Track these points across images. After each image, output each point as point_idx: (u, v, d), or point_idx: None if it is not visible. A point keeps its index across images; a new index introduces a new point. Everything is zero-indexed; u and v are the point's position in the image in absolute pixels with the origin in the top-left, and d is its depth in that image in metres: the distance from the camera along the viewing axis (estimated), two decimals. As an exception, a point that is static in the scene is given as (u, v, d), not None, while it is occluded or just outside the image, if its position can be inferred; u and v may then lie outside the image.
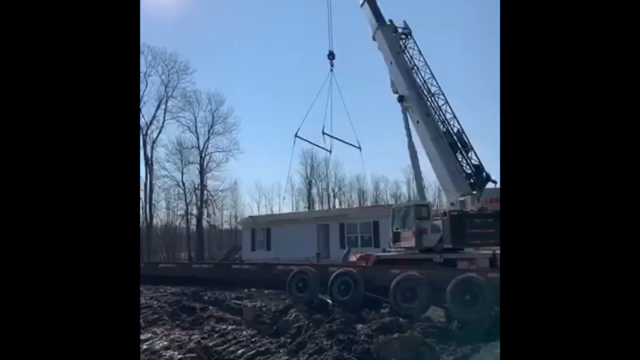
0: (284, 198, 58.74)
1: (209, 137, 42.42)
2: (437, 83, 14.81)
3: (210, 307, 10.97)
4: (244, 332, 8.54)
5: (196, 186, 42.57)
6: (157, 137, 40.65)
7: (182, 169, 42.34)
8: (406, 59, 15.31)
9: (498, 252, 10.96)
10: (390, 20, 15.94)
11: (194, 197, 43.05)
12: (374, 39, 16.11)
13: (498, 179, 13.52)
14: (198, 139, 42.29)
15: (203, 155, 42.24)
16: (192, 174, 42.76)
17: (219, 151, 42.68)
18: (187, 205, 43.34)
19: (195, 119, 42.08)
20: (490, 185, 13.41)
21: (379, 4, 16.11)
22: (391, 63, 15.23)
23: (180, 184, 42.37)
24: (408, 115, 14.91)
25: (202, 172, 42.13)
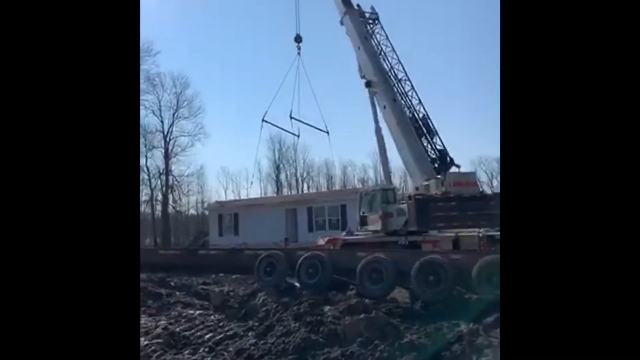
0: (252, 183, 58.48)
1: (173, 121, 41.58)
2: (404, 69, 15.00)
3: (177, 292, 10.88)
4: (212, 317, 8.54)
5: (161, 171, 41.78)
6: (119, 120, 39.40)
7: (147, 154, 41.28)
8: (374, 44, 15.37)
9: (461, 234, 11.32)
10: (358, 5, 15.93)
11: (158, 182, 42.28)
12: (341, 23, 16.07)
13: (461, 164, 13.95)
14: (162, 122, 41.39)
15: (168, 139, 41.43)
16: (156, 159, 41.87)
17: (184, 135, 41.90)
18: (151, 190, 42.50)
19: (160, 102, 41.12)
20: (453, 169, 13.78)
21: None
22: (359, 48, 15.26)
23: (145, 168, 41.40)
24: (375, 100, 15.03)
25: (166, 157, 41.32)
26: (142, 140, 40.96)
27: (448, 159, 13.90)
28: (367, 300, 8.27)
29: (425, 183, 13.10)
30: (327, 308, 7.99)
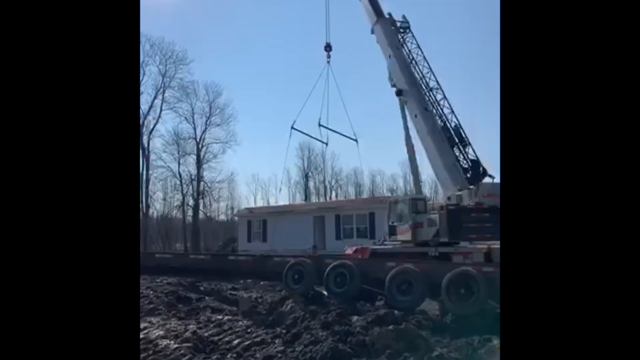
0: (281, 190, 58.82)
1: (206, 128, 42.42)
2: (435, 78, 14.80)
3: (206, 297, 11.02)
4: (240, 323, 8.59)
5: (193, 177, 42.58)
6: (154, 127, 40.58)
7: (179, 160, 42.34)
8: (405, 53, 15.26)
9: (493, 246, 11.03)
10: (389, 14, 15.86)
11: (190, 188, 43.08)
12: (372, 32, 16.04)
13: (495, 175, 13.62)
14: (195, 129, 42.27)
15: (200, 146, 42.24)
16: (188, 165, 42.79)
17: (216, 142, 42.69)
18: (183, 196, 43.34)
19: (193, 109, 42.03)
20: (487, 180, 13.47)
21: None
22: (390, 57, 15.18)
23: (177, 174, 42.39)
24: (406, 109, 14.89)
25: (198, 163, 42.09)
26: (175, 146, 42.13)
27: (481, 169, 13.58)
28: (396, 312, 8.16)
29: (458, 193, 12.85)
30: (355, 318, 7.93)
